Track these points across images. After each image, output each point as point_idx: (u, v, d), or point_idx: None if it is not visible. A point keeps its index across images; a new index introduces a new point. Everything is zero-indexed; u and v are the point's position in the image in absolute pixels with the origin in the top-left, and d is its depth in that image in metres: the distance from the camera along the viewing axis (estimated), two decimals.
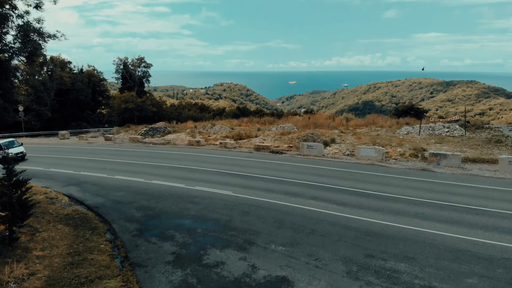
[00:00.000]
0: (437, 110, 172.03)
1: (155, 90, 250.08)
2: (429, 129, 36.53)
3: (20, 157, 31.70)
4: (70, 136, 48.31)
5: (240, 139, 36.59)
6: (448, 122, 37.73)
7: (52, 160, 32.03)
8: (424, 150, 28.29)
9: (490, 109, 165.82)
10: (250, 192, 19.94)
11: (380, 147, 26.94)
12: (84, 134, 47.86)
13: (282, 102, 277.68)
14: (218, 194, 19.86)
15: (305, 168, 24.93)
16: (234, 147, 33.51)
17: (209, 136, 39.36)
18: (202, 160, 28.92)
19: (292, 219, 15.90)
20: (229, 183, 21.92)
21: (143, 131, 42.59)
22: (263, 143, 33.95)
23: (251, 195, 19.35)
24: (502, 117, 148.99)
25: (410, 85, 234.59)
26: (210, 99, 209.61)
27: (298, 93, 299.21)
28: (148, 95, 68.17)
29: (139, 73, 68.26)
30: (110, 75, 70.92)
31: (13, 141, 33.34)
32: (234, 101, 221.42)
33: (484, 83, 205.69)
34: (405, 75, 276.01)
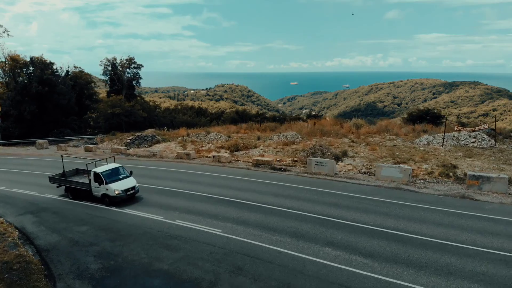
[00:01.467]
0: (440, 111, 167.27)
1: (156, 91, 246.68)
2: (452, 139, 31.85)
3: (131, 196, 20.00)
4: (50, 145, 43.78)
5: (237, 151, 31.95)
6: (474, 131, 33.02)
7: (18, 177, 28.01)
8: (455, 167, 23.65)
9: (494, 110, 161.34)
10: (245, 231, 15.34)
11: (406, 167, 22.20)
12: (65, 143, 43.17)
13: (284, 103, 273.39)
14: (204, 234, 15.31)
15: (315, 193, 20.18)
16: (230, 162, 28.87)
17: (202, 147, 34.73)
18: (190, 179, 24.32)
19: (302, 285, 11.27)
20: (220, 215, 17.32)
21: (128, 140, 37.95)
22: (263, 156, 29.33)
23: (246, 237, 14.76)
24: (506, 118, 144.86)
25: (412, 86, 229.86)
26: (211, 100, 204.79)
27: (300, 94, 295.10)
28: (138, 98, 62.69)
29: (129, 75, 62.77)
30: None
31: (117, 168, 20.61)
32: (235, 102, 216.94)
33: (486, 84, 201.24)
34: (407, 76, 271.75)
